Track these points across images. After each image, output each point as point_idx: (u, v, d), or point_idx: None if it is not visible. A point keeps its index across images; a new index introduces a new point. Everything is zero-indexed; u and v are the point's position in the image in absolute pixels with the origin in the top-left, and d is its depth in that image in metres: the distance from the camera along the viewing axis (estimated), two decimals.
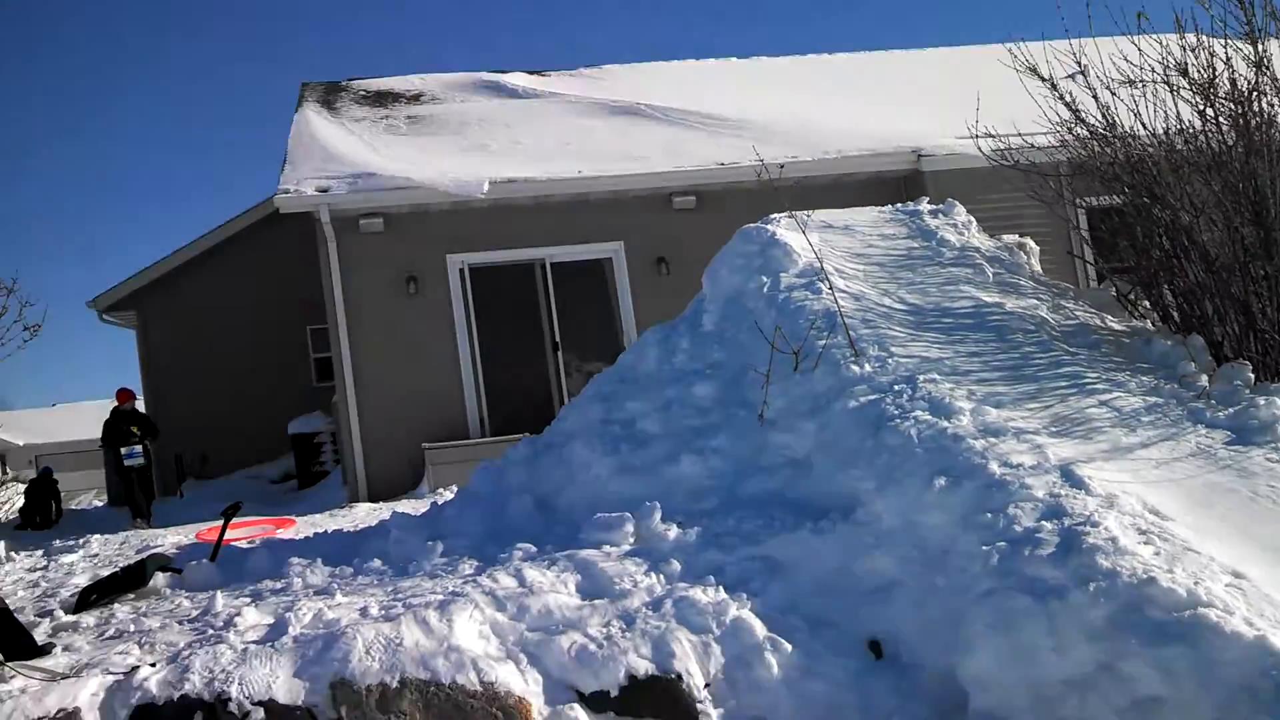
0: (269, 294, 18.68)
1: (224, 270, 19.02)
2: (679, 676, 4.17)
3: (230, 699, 3.89)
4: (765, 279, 6.67)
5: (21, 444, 44.00)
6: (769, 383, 5.83)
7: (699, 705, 4.13)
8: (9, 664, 4.24)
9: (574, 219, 14.10)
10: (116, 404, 14.50)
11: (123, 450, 14.04)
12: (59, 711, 3.89)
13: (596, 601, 4.59)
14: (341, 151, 14.64)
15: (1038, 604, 3.95)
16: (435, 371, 13.71)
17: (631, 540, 5.21)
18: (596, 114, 16.72)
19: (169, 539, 11.02)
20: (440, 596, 4.54)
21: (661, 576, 4.79)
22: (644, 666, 4.17)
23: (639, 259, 14.28)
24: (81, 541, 12.40)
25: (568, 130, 16.04)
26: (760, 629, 4.39)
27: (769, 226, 7.20)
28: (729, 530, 5.19)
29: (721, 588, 4.66)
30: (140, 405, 16.16)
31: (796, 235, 7.10)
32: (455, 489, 11.88)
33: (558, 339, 14.26)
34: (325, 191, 13.23)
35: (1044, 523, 4.31)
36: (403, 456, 13.44)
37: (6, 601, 4.65)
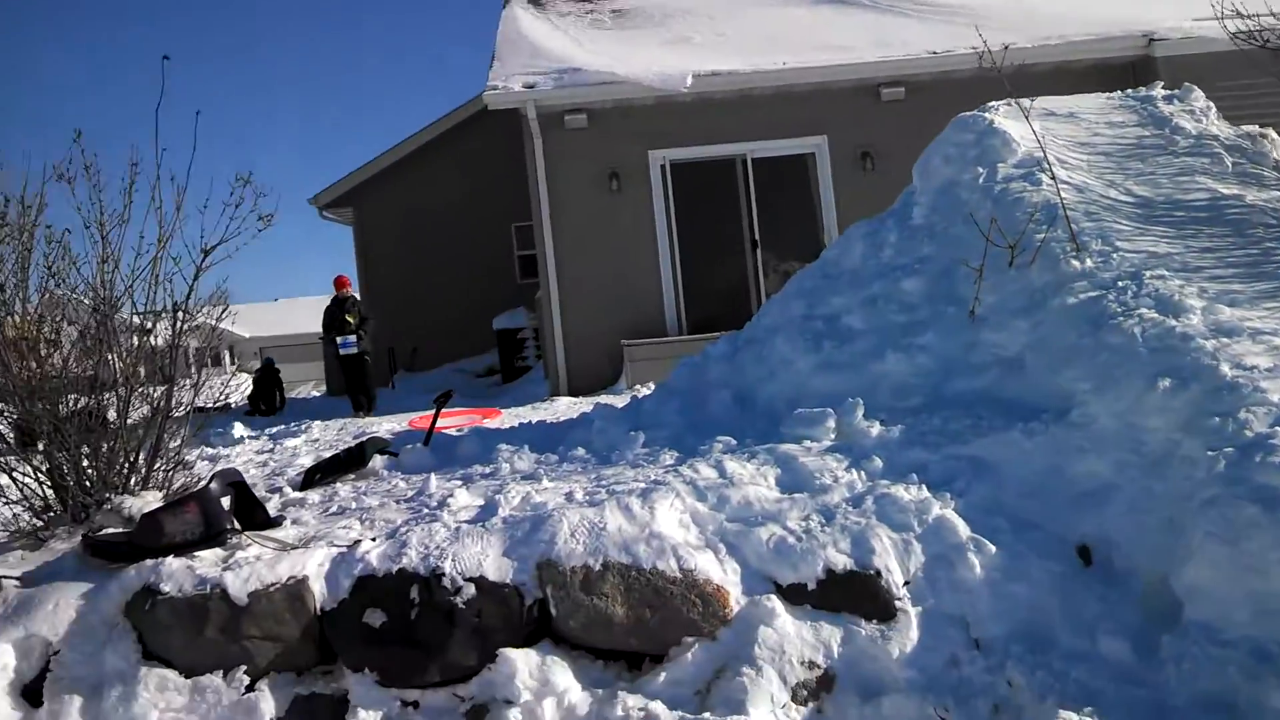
0: (477, 191, 19.13)
1: (435, 168, 19.55)
2: (878, 573, 4.11)
3: (444, 574, 4.07)
4: (981, 169, 6.35)
5: (248, 336, 47.15)
6: (981, 278, 5.58)
7: (897, 602, 4.07)
8: (246, 533, 4.55)
9: (776, 113, 13.80)
10: (335, 291, 14.64)
11: (337, 340, 14.16)
12: (289, 579, 4.17)
13: (796, 495, 4.56)
14: (548, 47, 14.68)
15: (1267, 513, 3.69)
16: (635, 269, 13.82)
17: (833, 436, 5.15)
18: (801, 3, 16.19)
19: (383, 426, 11.62)
20: (642, 484, 4.60)
21: (862, 473, 4.71)
22: (842, 561, 4.13)
23: (842, 154, 13.90)
24: (303, 427, 13.23)
25: (772, 21, 15.61)
26: (963, 529, 4.27)
27: (986, 114, 6.83)
28: (934, 429, 5.05)
29: (924, 486, 4.55)
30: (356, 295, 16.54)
31: (1015, 123, 6.72)
32: (652, 385, 12.03)
33: (756, 237, 14.10)
34: (531, 88, 13.34)
35: (1278, 429, 4.00)
36: (602, 352, 13.68)
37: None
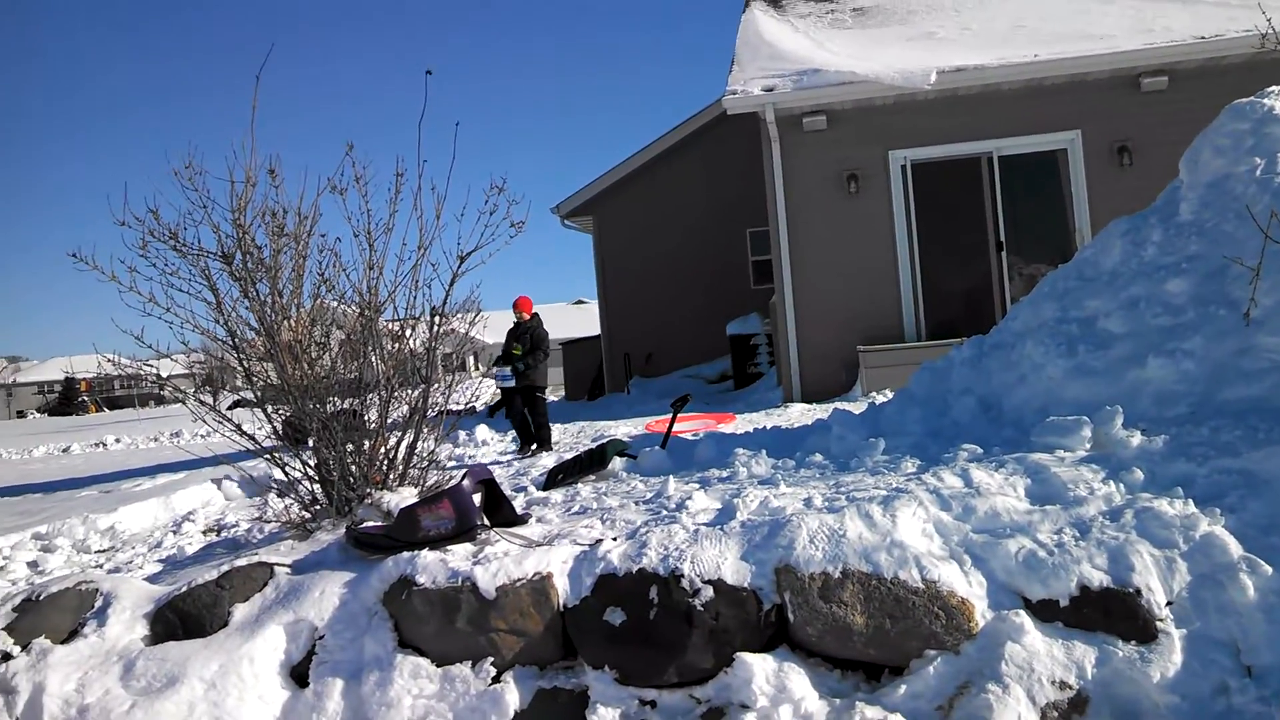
0: (713, 197, 19.30)
1: (671, 174, 19.83)
2: (1137, 591, 3.84)
3: (683, 575, 4.09)
4: (1259, 160, 5.84)
5: (491, 342, 49.25)
6: (1259, 278, 5.14)
7: (1159, 623, 3.80)
8: (495, 529, 4.73)
9: (1025, 108, 13.26)
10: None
11: (493, 371, 11.70)
12: (535, 575, 4.30)
13: (1047, 507, 4.33)
14: (787, 49, 14.64)
15: None
16: (872, 273, 13.57)
17: (1088, 446, 4.87)
18: None
19: (620, 429, 11.87)
20: (883, 492, 4.49)
21: (1121, 485, 4.43)
22: (1098, 578, 3.89)
23: (1097, 149, 13.19)
24: None
25: (1020, 10, 15.02)
26: (1235, 548, 3.94)
27: (1265, 100, 6.29)
28: (1201, 440, 4.69)
29: (1190, 501, 4.23)
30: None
31: None
32: (889, 392, 11.76)
33: (1002, 238, 13.57)
34: (770, 90, 13.32)
35: None
36: (836, 359, 13.50)
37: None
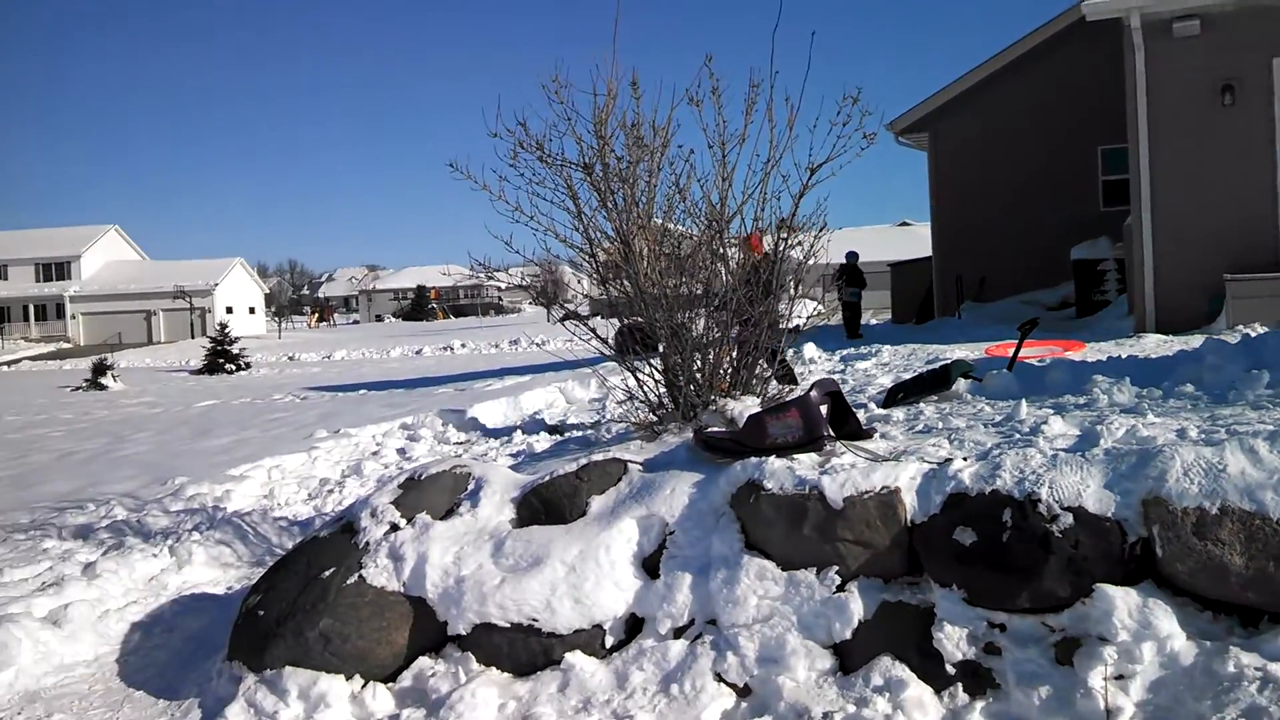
0: (1059, 113, 18.16)
1: (1014, 89, 18.81)
2: None
3: (1040, 500, 3.96)
4: None
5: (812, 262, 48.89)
6: None
7: None
8: (841, 441, 4.76)
9: None
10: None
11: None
12: (882, 488, 4.29)
13: None
14: None
15: None
16: (1245, 194, 12.36)
17: None
18: None
19: (953, 354, 11.55)
20: (1269, 427, 4.15)
21: None
22: None
23: None
24: (873, 350, 13.56)
25: None
26: None
27: None
28: None
29: None
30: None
31: None
32: (1259, 326, 10.75)
33: None
34: None
35: None
36: (1198, 288, 12.47)
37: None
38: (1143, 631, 3.67)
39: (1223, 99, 12.32)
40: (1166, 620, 3.68)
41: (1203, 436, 4.16)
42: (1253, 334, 7.36)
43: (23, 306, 73.74)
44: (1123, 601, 3.73)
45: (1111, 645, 3.67)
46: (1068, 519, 3.90)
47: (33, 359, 56.69)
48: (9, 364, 53.50)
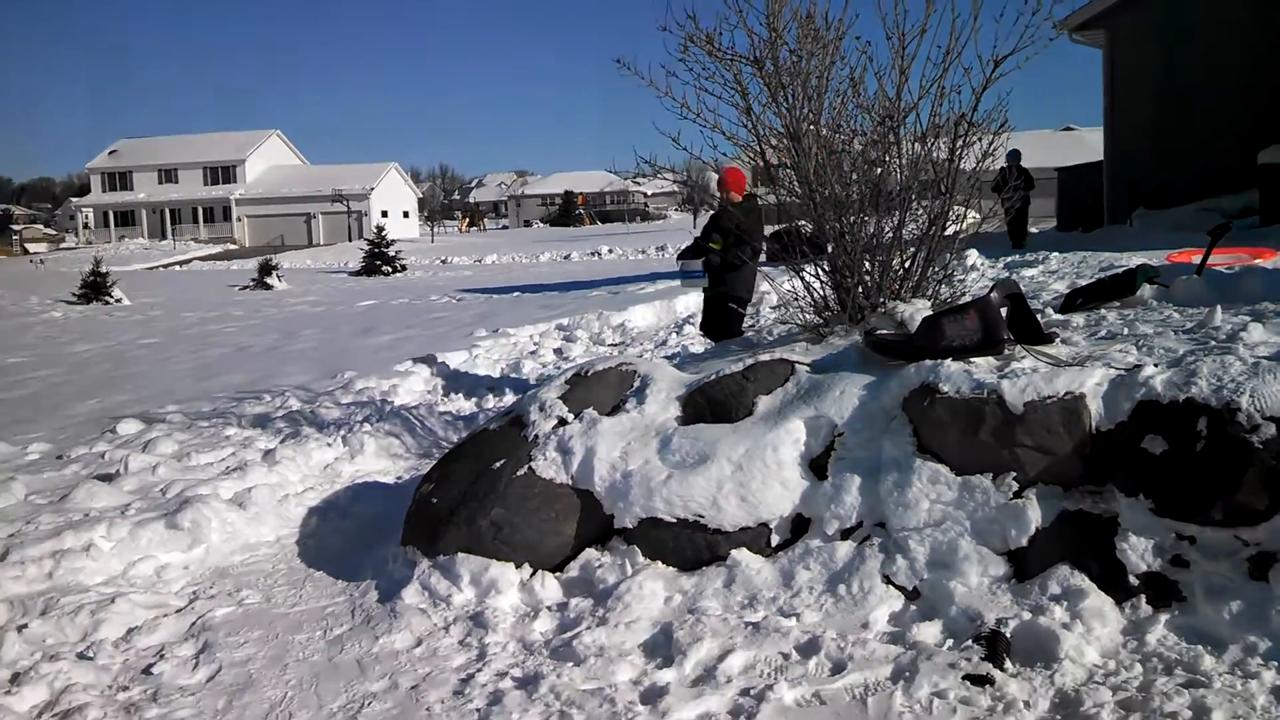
0: (1248, 7, 16.84)
1: None
2: None
3: (1239, 409, 3.75)
4: None
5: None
6: None
7: None
8: (1021, 345, 4.60)
9: None
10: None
11: (679, 266, 8.99)
12: (1066, 394, 4.13)
13: None
14: None
15: None
16: None
17: None
18: None
19: (1130, 261, 11.02)
20: None
21: None
22: None
23: None
24: (1040, 258, 13.07)
25: None
26: None
27: None
28: None
29: None
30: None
31: None
32: None
33: None
34: None
35: None
36: None
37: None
38: None
39: None
40: None
41: None
42: None
43: (192, 209, 77.12)
44: None
45: None
46: (1270, 429, 3.69)
47: (202, 259, 59.44)
48: (181, 264, 56.26)
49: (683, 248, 8.41)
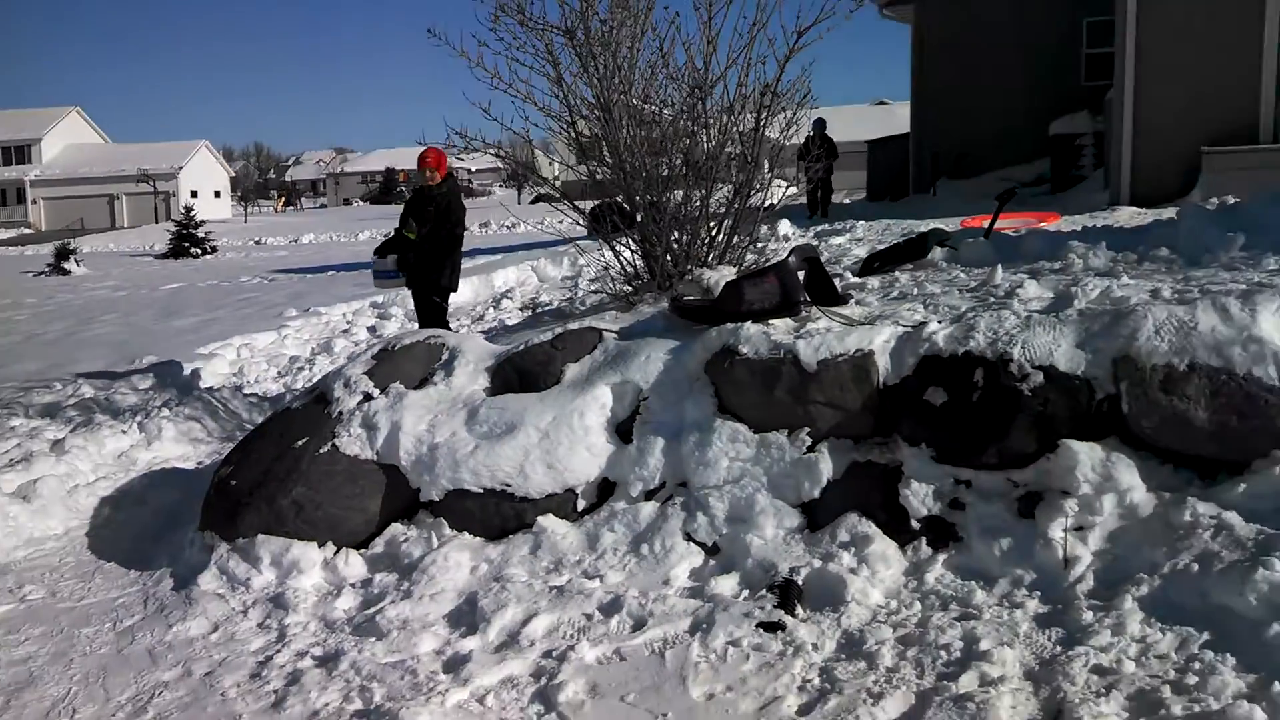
0: None
1: None
2: None
3: (1011, 360, 3.97)
4: None
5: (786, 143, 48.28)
6: None
7: None
8: (817, 307, 4.74)
9: None
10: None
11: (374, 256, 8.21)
12: (856, 351, 4.29)
13: None
14: None
15: None
16: (1228, 64, 12.20)
17: None
18: None
19: (929, 227, 11.50)
20: (1241, 286, 4.15)
21: None
22: None
23: None
24: (848, 226, 13.49)
25: None
26: None
27: None
28: None
29: None
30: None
31: None
32: (1231, 199, 10.74)
33: None
34: None
35: None
36: (1174, 160, 12.42)
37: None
38: (1104, 484, 3.73)
39: None
40: (1128, 473, 3.74)
41: (1176, 296, 4.18)
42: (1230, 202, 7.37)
43: None
44: (1086, 456, 3.78)
45: (1073, 498, 3.75)
46: (1038, 378, 3.93)
47: None
48: None
49: (378, 245, 8.04)
